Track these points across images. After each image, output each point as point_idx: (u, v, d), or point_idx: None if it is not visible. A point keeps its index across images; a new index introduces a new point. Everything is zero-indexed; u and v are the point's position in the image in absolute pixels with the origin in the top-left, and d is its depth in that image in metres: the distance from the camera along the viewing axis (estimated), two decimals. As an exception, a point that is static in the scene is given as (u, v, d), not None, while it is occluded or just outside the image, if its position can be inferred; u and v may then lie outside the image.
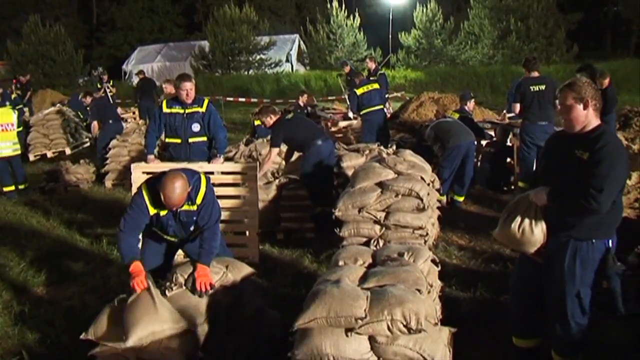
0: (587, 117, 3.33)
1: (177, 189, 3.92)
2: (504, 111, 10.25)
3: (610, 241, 3.40)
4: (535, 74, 8.01)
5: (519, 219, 3.48)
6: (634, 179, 7.99)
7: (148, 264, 4.21)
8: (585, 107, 3.31)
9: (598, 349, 3.90)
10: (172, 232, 4.36)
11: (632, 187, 7.73)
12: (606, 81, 9.48)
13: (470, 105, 9.21)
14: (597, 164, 3.18)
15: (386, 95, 12.21)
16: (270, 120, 7.30)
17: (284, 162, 7.88)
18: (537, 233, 3.45)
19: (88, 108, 12.43)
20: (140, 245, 4.42)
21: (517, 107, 7.85)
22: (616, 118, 10.31)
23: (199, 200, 4.19)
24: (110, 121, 11.06)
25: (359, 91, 10.04)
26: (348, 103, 13.09)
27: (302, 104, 12.01)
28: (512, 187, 8.62)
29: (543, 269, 3.54)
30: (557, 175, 3.44)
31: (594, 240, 3.34)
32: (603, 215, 3.25)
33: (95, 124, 11.25)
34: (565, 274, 3.38)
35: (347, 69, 14.71)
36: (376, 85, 10.24)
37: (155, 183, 4.09)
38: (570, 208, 3.31)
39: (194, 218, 4.27)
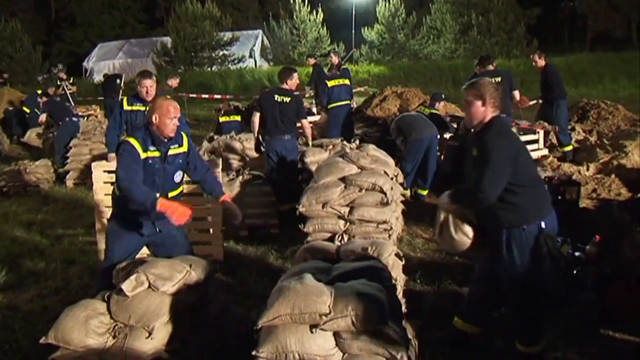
0: (485, 113, 3.58)
1: (172, 104, 4.18)
2: None
3: (543, 223, 3.56)
4: (490, 67, 8.16)
5: (438, 228, 3.72)
6: (591, 170, 8.20)
7: (115, 258, 4.19)
8: (484, 104, 3.56)
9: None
10: (157, 180, 4.23)
11: (589, 178, 7.92)
12: (537, 59, 9.56)
13: (440, 105, 9.32)
14: (479, 157, 3.48)
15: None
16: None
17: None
18: (459, 235, 3.63)
19: (43, 105, 12.24)
20: (111, 234, 4.36)
21: None
22: (572, 110, 10.50)
23: (185, 145, 4.34)
24: (67, 119, 10.86)
25: (330, 83, 9.98)
26: (312, 99, 13.08)
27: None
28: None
29: (493, 263, 3.70)
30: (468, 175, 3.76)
31: (524, 226, 3.52)
32: (515, 202, 3.49)
33: (43, 116, 11.06)
34: (507, 262, 3.57)
35: (311, 61, 14.30)
36: (346, 81, 10.20)
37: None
38: (470, 203, 3.57)
39: (180, 161, 4.33)
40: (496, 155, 3.41)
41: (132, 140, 4.12)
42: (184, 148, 4.34)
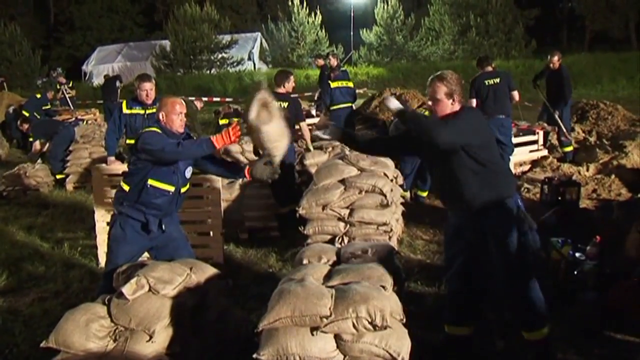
0: (453, 109, 3.57)
1: (178, 102, 4.25)
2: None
3: (517, 198, 3.64)
4: (489, 68, 8.19)
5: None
6: (591, 170, 8.21)
7: (119, 262, 4.19)
8: (453, 102, 3.56)
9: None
10: (174, 174, 4.27)
11: (589, 178, 7.93)
12: (555, 59, 9.56)
13: None
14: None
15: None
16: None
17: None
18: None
19: (30, 130, 12.20)
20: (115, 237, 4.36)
21: (474, 102, 7.98)
22: (571, 110, 10.52)
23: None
24: (61, 128, 10.88)
25: (333, 84, 9.95)
26: (314, 101, 13.06)
27: None
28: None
29: (478, 254, 3.67)
30: (438, 172, 3.78)
31: (505, 201, 3.55)
32: (489, 178, 3.50)
33: (37, 143, 11.02)
34: (497, 241, 3.54)
35: (320, 62, 14.17)
36: (350, 84, 10.19)
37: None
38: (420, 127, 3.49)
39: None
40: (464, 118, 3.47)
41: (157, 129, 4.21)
42: None
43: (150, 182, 4.20)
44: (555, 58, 9.48)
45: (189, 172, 4.41)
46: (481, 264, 3.71)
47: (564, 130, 9.22)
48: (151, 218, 4.27)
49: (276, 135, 3.90)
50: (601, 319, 4.27)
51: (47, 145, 11.03)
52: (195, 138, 4.69)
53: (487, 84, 7.91)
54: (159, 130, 4.18)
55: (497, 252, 3.56)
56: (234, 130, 3.91)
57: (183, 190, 4.39)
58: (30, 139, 12.33)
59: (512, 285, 3.62)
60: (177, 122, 4.21)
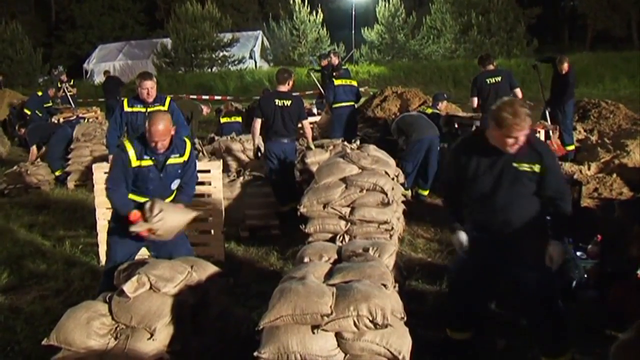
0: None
1: (163, 121, 4.07)
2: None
3: None
4: (491, 67, 8.18)
5: None
6: (592, 169, 8.20)
7: (117, 259, 4.27)
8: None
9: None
10: (150, 188, 4.30)
11: (591, 177, 7.92)
12: (565, 66, 9.60)
13: (442, 105, 9.28)
14: (551, 170, 3.54)
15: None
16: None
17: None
18: None
19: (22, 133, 12.20)
20: (113, 235, 4.42)
21: (475, 101, 7.99)
22: (575, 109, 10.52)
23: (186, 155, 4.37)
24: (56, 129, 10.89)
25: (336, 82, 9.92)
26: (317, 99, 13.05)
27: None
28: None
29: (500, 273, 3.67)
30: (493, 197, 3.62)
31: None
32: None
33: (34, 148, 11.01)
34: (545, 270, 3.50)
35: (325, 63, 14.30)
36: (354, 82, 10.17)
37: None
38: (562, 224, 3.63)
39: (179, 171, 4.38)
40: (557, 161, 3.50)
41: (128, 146, 4.19)
42: (185, 157, 4.38)
43: (130, 195, 4.30)
44: (566, 65, 9.51)
45: (175, 184, 4.45)
46: (499, 283, 3.74)
47: (566, 126, 9.24)
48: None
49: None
50: (602, 318, 4.27)
51: (44, 148, 11.03)
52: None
53: (488, 82, 7.90)
54: (130, 150, 4.16)
55: (534, 278, 3.52)
56: (134, 218, 4.06)
57: (168, 200, 4.44)
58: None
59: (541, 312, 3.57)
60: (159, 131, 4.07)
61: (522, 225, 3.52)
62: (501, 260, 3.60)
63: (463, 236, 3.71)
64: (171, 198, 4.48)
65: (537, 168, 3.43)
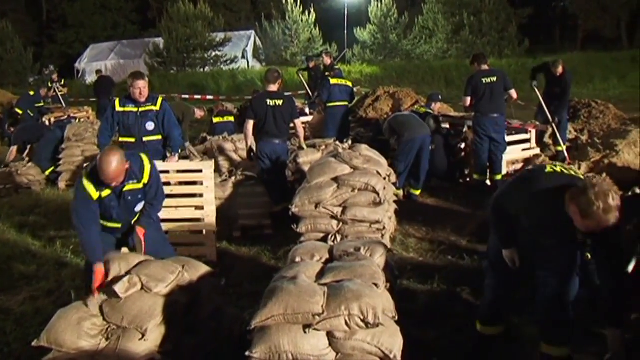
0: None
1: (113, 162, 3.96)
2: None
3: None
4: (485, 67, 8.19)
5: None
6: (583, 168, 8.23)
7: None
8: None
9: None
10: (115, 215, 4.32)
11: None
12: (560, 69, 9.63)
13: (436, 107, 9.30)
14: (606, 253, 3.45)
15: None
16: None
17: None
18: None
19: (12, 132, 12.15)
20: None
21: (468, 100, 7.98)
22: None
23: (145, 178, 4.30)
24: (44, 132, 10.85)
25: (332, 81, 9.92)
26: (307, 98, 13.10)
27: None
28: (468, 179, 8.76)
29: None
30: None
31: None
32: None
33: (14, 149, 10.95)
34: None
35: (312, 64, 14.61)
36: (349, 83, 10.21)
37: (93, 166, 4.12)
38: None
39: (139, 196, 4.34)
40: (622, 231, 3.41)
41: (86, 182, 4.14)
42: (144, 180, 4.32)
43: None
44: (560, 68, 9.56)
45: (139, 207, 4.45)
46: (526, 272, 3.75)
47: (559, 138, 9.27)
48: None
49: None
50: (592, 316, 4.28)
51: (28, 150, 10.97)
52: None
53: (484, 82, 7.92)
54: (88, 186, 4.13)
55: (553, 264, 3.55)
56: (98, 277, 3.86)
57: (133, 221, 4.49)
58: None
59: (554, 296, 3.59)
60: (111, 173, 3.98)
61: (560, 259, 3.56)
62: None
63: (516, 254, 3.71)
64: (137, 218, 4.51)
65: (589, 241, 3.38)
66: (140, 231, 4.44)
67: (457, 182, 8.81)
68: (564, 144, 9.26)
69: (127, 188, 4.23)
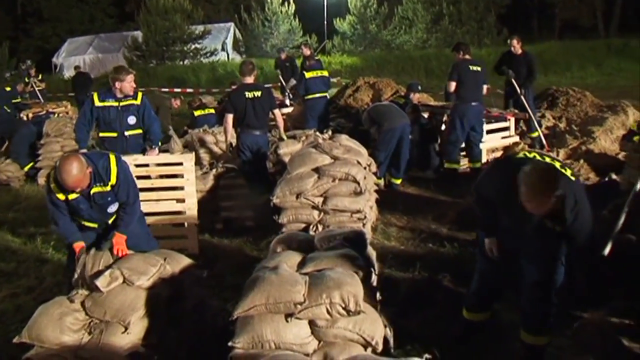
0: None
1: (73, 170, 3.87)
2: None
3: None
4: (467, 56, 8.26)
5: None
6: (561, 155, 8.34)
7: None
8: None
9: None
10: (87, 216, 4.29)
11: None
12: (516, 44, 9.52)
13: (415, 97, 9.32)
14: (575, 232, 3.41)
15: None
16: None
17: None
18: None
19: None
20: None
21: (453, 85, 7.98)
22: (542, 97, 10.70)
23: (112, 180, 4.19)
24: (19, 127, 10.74)
25: (307, 74, 9.96)
26: (287, 90, 13.11)
27: None
28: (441, 169, 8.79)
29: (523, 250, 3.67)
30: (518, 228, 3.59)
31: None
32: None
33: None
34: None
35: (283, 56, 14.85)
36: (325, 73, 10.22)
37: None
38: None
39: (109, 199, 4.26)
40: (587, 217, 3.37)
41: (53, 185, 4.10)
42: (111, 183, 4.21)
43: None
44: (515, 41, 9.56)
45: (112, 208, 4.36)
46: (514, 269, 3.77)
47: (532, 114, 9.30)
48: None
49: None
50: (570, 300, 4.36)
51: (5, 144, 10.85)
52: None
53: (471, 69, 7.99)
54: (55, 190, 4.09)
55: (538, 254, 3.57)
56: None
57: (111, 221, 4.44)
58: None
59: (537, 285, 3.60)
60: (70, 182, 3.93)
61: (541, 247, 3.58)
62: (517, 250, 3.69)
63: (491, 243, 3.79)
64: (115, 217, 4.44)
65: (559, 229, 3.39)
66: (117, 241, 4.20)
67: (437, 171, 8.86)
68: (540, 129, 9.32)
69: (94, 190, 4.15)
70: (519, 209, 3.27)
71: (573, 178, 3.40)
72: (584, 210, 3.34)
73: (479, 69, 8.05)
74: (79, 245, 4.17)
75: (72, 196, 4.12)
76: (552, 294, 3.62)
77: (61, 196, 4.11)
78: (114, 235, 4.18)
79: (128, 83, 6.23)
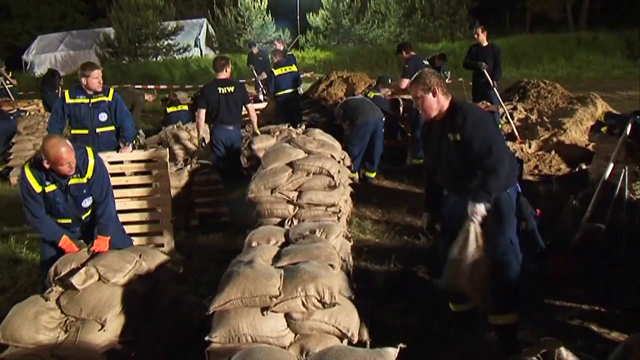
0: (440, 102, 3.63)
1: (62, 147, 3.97)
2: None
3: (518, 186, 3.75)
4: (413, 53, 8.46)
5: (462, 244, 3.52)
6: (533, 147, 8.47)
7: (50, 252, 4.36)
8: (434, 95, 3.61)
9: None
10: (62, 210, 4.30)
11: (531, 155, 8.19)
12: (482, 35, 9.79)
13: (385, 91, 9.34)
14: (471, 138, 3.47)
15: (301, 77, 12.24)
16: None
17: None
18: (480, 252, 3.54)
19: None
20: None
21: (406, 82, 7.97)
22: (514, 89, 10.86)
23: (89, 173, 4.26)
24: None
25: (276, 71, 9.97)
26: (260, 85, 13.09)
27: None
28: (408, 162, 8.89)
29: None
30: (444, 162, 3.76)
31: (507, 190, 3.62)
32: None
33: None
34: (497, 226, 3.59)
35: (255, 50, 14.82)
36: (294, 68, 10.23)
37: (37, 158, 4.12)
38: (479, 184, 3.48)
39: (84, 191, 4.30)
40: (488, 128, 3.54)
41: (28, 174, 4.15)
42: (87, 175, 4.28)
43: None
44: (479, 30, 9.76)
45: (87, 202, 4.40)
46: None
47: (502, 103, 9.44)
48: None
49: None
50: (542, 288, 4.46)
51: None
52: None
53: (425, 64, 8.19)
54: (30, 178, 4.14)
55: (494, 235, 3.59)
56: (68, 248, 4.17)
57: (84, 217, 4.47)
58: None
59: (497, 266, 3.62)
60: (65, 169, 4.06)
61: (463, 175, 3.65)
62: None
63: (424, 217, 4.08)
64: (87, 214, 4.48)
65: (458, 137, 3.53)
66: (100, 245, 4.28)
67: (411, 164, 8.93)
68: (512, 121, 9.43)
69: (71, 182, 4.20)
70: (435, 133, 3.68)
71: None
72: (479, 120, 3.54)
73: (427, 63, 8.29)
74: (65, 240, 4.22)
75: (49, 188, 4.14)
76: (510, 274, 3.67)
77: (37, 187, 4.12)
78: (96, 239, 4.29)
79: (94, 78, 6.20)
